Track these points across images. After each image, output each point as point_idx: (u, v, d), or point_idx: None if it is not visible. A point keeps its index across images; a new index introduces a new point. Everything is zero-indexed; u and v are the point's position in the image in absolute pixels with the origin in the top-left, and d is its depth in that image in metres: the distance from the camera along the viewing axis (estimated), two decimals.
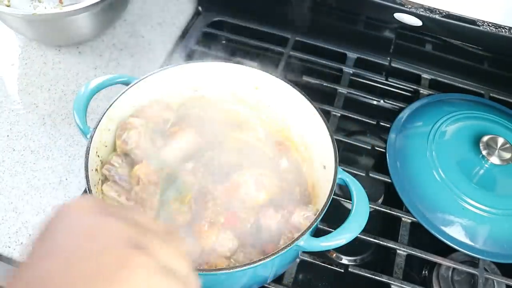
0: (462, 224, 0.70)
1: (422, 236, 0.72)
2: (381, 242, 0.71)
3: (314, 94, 0.70)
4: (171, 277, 0.32)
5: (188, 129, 0.70)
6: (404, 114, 0.85)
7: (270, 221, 0.62)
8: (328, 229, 0.69)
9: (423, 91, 0.90)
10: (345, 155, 0.85)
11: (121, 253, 0.31)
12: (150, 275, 0.31)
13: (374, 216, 0.66)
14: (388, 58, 0.95)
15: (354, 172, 0.76)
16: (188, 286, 0.34)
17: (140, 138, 0.65)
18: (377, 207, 0.74)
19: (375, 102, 0.92)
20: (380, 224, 0.78)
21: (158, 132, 0.69)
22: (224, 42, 0.98)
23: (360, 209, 0.59)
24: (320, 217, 0.57)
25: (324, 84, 0.89)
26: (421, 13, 0.82)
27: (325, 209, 0.58)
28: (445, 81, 0.93)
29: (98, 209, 0.35)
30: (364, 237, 0.70)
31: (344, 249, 0.67)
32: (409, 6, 0.82)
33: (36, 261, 0.32)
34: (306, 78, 0.89)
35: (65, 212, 0.35)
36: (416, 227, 0.73)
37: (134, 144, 0.65)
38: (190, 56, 0.93)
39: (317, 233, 0.60)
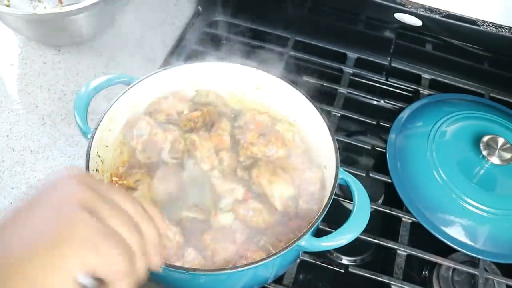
0: (462, 224, 0.70)
1: (422, 236, 0.72)
2: (381, 242, 0.71)
3: (314, 94, 0.70)
4: (112, 238, 0.36)
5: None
6: (404, 114, 0.85)
7: None
8: (329, 229, 0.69)
9: (423, 91, 0.90)
10: (345, 155, 0.85)
11: (72, 212, 0.36)
12: (93, 234, 0.35)
13: (374, 216, 0.66)
14: (388, 58, 0.95)
15: (354, 172, 0.76)
16: (128, 253, 0.37)
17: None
18: (377, 207, 0.74)
19: (375, 102, 0.92)
20: (380, 224, 0.78)
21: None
22: (224, 42, 0.98)
23: (362, 209, 0.59)
24: (322, 217, 0.57)
25: (324, 84, 0.89)
26: (421, 13, 0.82)
27: (327, 209, 0.58)
28: (445, 81, 0.93)
29: (77, 179, 0.39)
30: (364, 237, 0.70)
31: (344, 249, 0.67)
32: (409, 6, 0.82)
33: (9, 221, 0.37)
34: (306, 78, 0.89)
35: (46, 186, 0.40)
36: (416, 227, 0.73)
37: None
38: (190, 56, 0.93)
39: (318, 233, 0.60)
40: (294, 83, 0.70)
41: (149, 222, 0.41)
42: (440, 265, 0.71)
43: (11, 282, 0.33)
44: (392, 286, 0.68)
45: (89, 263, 0.34)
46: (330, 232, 0.58)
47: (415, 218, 0.72)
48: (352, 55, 0.95)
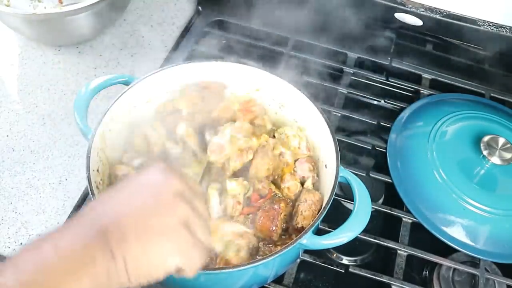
0: (462, 224, 0.70)
1: (422, 236, 0.72)
2: (382, 242, 0.71)
3: (314, 94, 0.70)
4: (199, 249, 0.44)
5: None
6: (404, 114, 0.85)
7: None
8: (329, 229, 0.69)
9: (423, 91, 0.90)
10: (346, 155, 0.85)
11: (170, 197, 0.44)
12: (181, 221, 0.43)
13: (374, 216, 0.66)
14: (389, 58, 0.95)
15: (355, 172, 0.76)
16: (206, 254, 0.45)
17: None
18: (378, 207, 0.74)
19: (375, 102, 0.92)
20: (381, 224, 0.78)
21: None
22: (224, 42, 0.97)
23: (362, 207, 0.59)
24: (323, 215, 0.57)
25: (325, 84, 0.89)
26: (421, 13, 0.82)
27: (328, 207, 0.58)
28: (446, 81, 0.93)
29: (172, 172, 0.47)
30: (365, 237, 0.70)
31: (344, 250, 0.67)
32: (410, 6, 0.82)
33: (107, 199, 0.45)
34: (306, 78, 0.89)
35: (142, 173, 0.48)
36: (416, 227, 0.72)
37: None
38: (190, 56, 0.92)
39: (318, 233, 0.60)
40: (294, 83, 0.70)
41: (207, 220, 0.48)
42: (440, 265, 0.71)
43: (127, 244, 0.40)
44: (393, 286, 0.67)
45: (178, 263, 0.42)
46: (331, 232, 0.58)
47: (415, 218, 0.72)
48: (352, 55, 0.95)
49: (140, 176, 0.47)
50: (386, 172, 0.77)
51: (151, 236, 0.41)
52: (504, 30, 0.79)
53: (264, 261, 0.53)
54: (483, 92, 0.92)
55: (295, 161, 0.69)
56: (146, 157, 0.67)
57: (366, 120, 0.85)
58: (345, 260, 0.75)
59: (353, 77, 0.93)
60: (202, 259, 0.45)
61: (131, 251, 0.40)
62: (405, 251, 0.70)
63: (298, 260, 0.69)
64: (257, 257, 0.59)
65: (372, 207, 0.61)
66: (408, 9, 0.82)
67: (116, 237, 0.40)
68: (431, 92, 0.90)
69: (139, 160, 0.67)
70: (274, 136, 0.71)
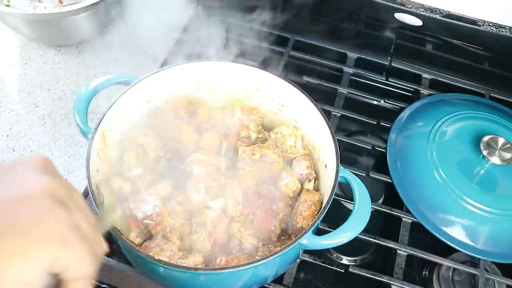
0: (462, 224, 0.70)
1: (422, 236, 0.72)
2: (382, 242, 0.71)
3: (314, 94, 0.70)
4: (79, 235, 0.36)
5: None
6: (404, 114, 0.85)
7: None
8: (329, 229, 0.69)
9: (423, 91, 0.90)
10: (346, 155, 0.85)
11: (43, 202, 0.35)
12: (62, 227, 0.35)
13: (374, 216, 0.66)
14: (389, 58, 0.95)
15: (355, 172, 0.76)
16: (92, 249, 0.37)
17: None
18: (378, 207, 0.74)
19: (375, 102, 0.92)
20: (381, 224, 0.78)
21: None
22: (224, 42, 0.97)
23: (362, 207, 0.59)
24: (323, 215, 0.57)
25: (325, 84, 0.89)
26: (421, 13, 0.82)
27: (328, 207, 0.58)
28: (446, 81, 0.93)
29: (43, 168, 0.38)
30: (365, 237, 0.70)
31: (344, 250, 0.67)
32: (410, 6, 0.82)
33: None
34: (306, 78, 0.89)
35: (11, 166, 0.38)
36: (416, 227, 0.73)
37: None
38: (190, 56, 0.92)
39: (318, 233, 0.60)
40: (294, 83, 0.70)
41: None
42: (440, 265, 0.71)
43: None
44: (393, 286, 0.68)
45: (56, 255, 0.34)
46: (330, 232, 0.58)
47: (415, 218, 0.72)
48: (352, 55, 0.95)
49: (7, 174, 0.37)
50: (386, 172, 0.77)
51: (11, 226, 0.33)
52: (504, 30, 0.79)
53: (264, 261, 0.53)
54: (483, 92, 0.92)
55: (293, 159, 0.69)
56: (142, 168, 0.67)
57: (366, 120, 0.85)
58: (345, 260, 0.75)
59: (353, 77, 0.93)
60: (92, 257, 0.36)
61: None
62: (405, 251, 0.71)
63: (298, 260, 0.69)
64: (257, 257, 0.59)
65: (372, 207, 0.61)
66: (408, 9, 0.82)
67: None
68: (431, 92, 0.90)
69: (135, 172, 0.66)
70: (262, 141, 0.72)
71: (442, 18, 0.81)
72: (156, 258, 0.53)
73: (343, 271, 0.69)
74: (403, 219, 0.74)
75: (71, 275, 0.35)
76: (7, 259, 0.32)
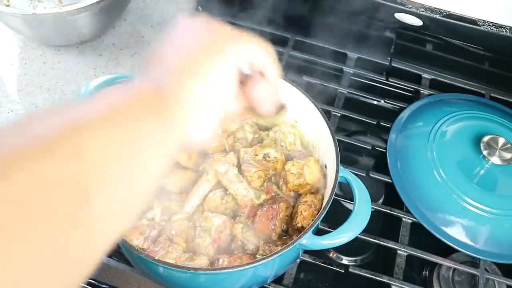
0: (462, 225, 0.70)
1: (422, 237, 0.72)
2: (382, 243, 0.71)
3: (314, 94, 0.70)
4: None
5: None
6: (404, 114, 0.85)
7: None
8: (329, 229, 0.69)
9: (423, 91, 0.90)
10: (346, 155, 0.84)
11: (225, 41, 0.42)
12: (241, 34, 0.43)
13: (374, 216, 0.66)
14: (389, 58, 0.95)
15: (355, 172, 0.76)
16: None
17: None
18: (378, 208, 0.74)
19: (375, 102, 0.92)
20: (381, 224, 0.78)
21: None
22: None
23: (362, 207, 0.59)
24: (323, 215, 0.57)
25: (324, 84, 0.89)
26: (421, 12, 0.82)
27: (328, 207, 0.58)
28: (446, 81, 0.93)
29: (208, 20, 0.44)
30: (365, 238, 0.70)
31: (344, 250, 0.67)
32: (410, 6, 0.82)
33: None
34: (306, 78, 0.89)
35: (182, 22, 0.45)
36: (416, 227, 0.72)
37: None
38: None
39: (318, 233, 0.60)
40: (294, 83, 0.70)
41: None
42: (440, 265, 0.71)
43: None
44: (393, 286, 0.67)
45: (247, 48, 0.43)
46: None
47: (415, 218, 0.72)
48: (352, 55, 0.95)
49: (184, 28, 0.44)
50: (386, 172, 0.77)
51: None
52: (504, 30, 0.79)
53: (264, 261, 0.53)
54: (483, 92, 0.92)
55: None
56: None
57: (366, 120, 0.85)
58: (345, 260, 0.75)
59: (353, 77, 0.93)
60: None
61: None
62: (405, 251, 0.70)
63: (298, 260, 0.69)
64: (257, 257, 0.59)
65: (372, 207, 0.61)
66: (408, 9, 0.82)
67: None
68: (431, 92, 0.90)
69: None
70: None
71: (442, 18, 0.81)
72: (156, 258, 0.53)
73: (343, 271, 0.69)
74: (403, 219, 0.74)
75: (267, 59, 0.45)
76: (209, 58, 0.40)
